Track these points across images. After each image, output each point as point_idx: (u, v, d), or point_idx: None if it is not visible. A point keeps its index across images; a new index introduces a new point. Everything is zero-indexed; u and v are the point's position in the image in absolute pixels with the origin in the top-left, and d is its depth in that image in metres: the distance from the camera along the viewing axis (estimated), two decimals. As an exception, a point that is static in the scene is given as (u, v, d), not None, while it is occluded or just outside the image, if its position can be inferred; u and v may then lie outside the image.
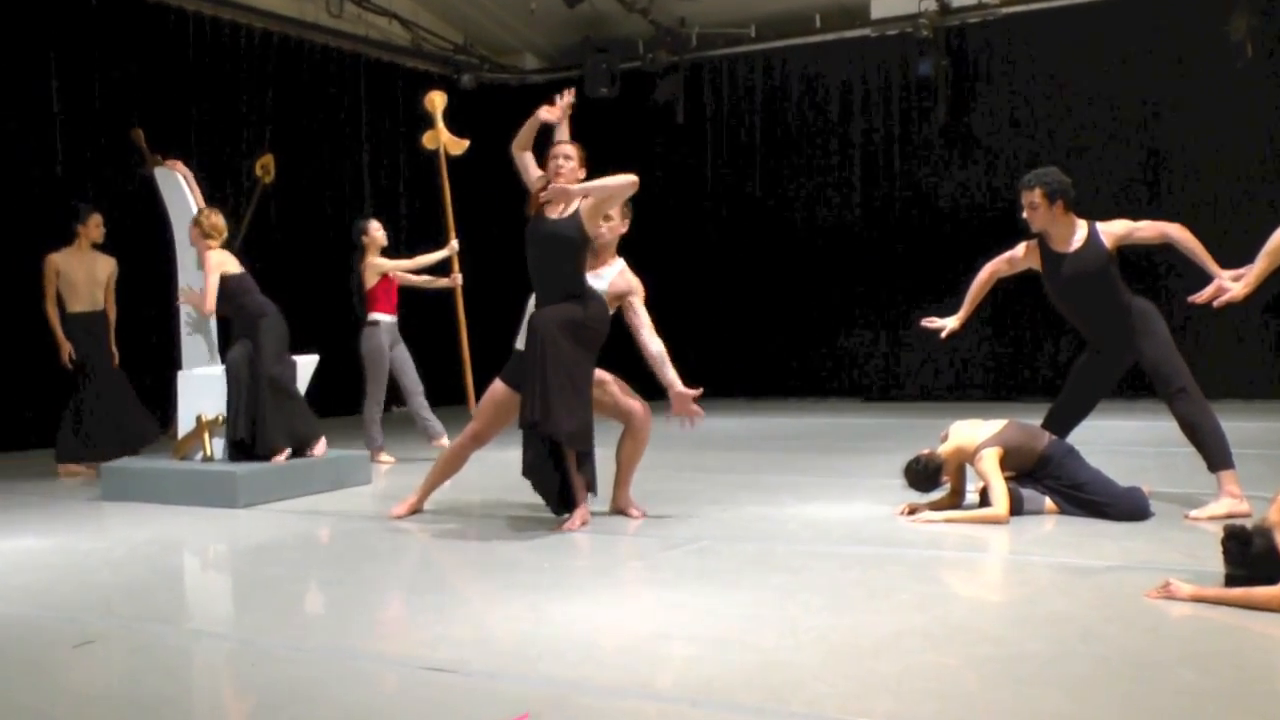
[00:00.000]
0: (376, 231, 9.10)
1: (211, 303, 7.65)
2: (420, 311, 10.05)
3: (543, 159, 6.23)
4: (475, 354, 9.46)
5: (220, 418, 7.62)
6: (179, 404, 7.91)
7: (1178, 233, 6.05)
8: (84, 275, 9.03)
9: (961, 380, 13.47)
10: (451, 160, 9.34)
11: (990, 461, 5.92)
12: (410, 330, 9.36)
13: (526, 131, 6.30)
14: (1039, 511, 6.00)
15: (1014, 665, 3.58)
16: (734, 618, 4.23)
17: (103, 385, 9.01)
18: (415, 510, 6.58)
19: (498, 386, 6.30)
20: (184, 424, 7.82)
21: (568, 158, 6.14)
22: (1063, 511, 5.98)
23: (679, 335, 14.84)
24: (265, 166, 11.03)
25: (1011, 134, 13.10)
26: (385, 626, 4.25)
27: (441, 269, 9.32)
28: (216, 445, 7.67)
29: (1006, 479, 5.96)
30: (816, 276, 14.13)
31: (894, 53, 13.68)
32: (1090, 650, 3.72)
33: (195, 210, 8.04)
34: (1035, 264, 6.37)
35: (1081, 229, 6.24)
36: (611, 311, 6.22)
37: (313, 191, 13.29)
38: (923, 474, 6.07)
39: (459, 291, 9.28)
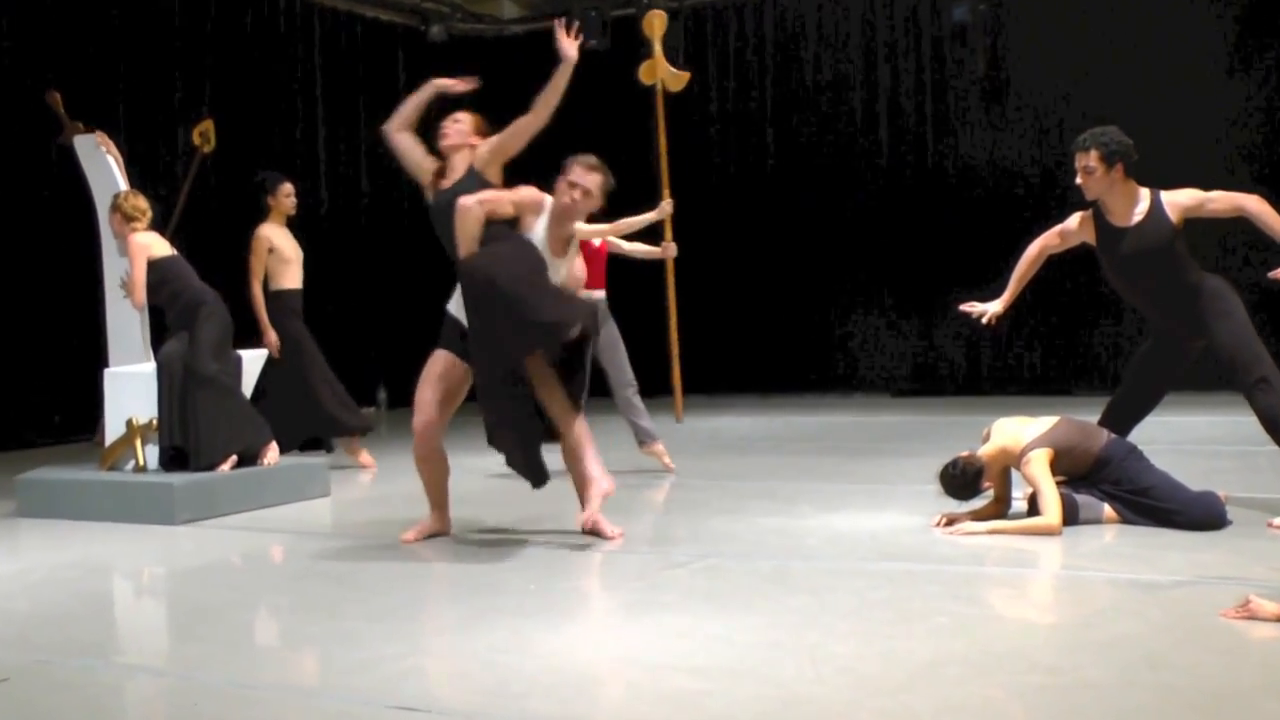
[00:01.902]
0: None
1: (142, 293, 7.63)
2: (619, 286, 8.91)
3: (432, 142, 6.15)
4: (686, 340, 9.08)
5: (154, 422, 7.60)
6: (106, 406, 7.88)
7: (1255, 205, 6.04)
8: (293, 250, 9.01)
9: (1005, 372, 13.46)
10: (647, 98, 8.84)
11: (1039, 464, 5.91)
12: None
13: (411, 108, 6.17)
14: (1097, 520, 5.99)
15: (1070, 697, 3.57)
16: (747, 646, 4.21)
17: (309, 369, 8.97)
18: (439, 532, 6.36)
19: (442, 358, 6.18)
20: (112, 429, 7.79)
21: (456, 120, 6.14)
22: (1124, 520, 5.97)
23: (687, 317, 14.88)
24: (204, 134, 11.01)
25: (1061, 89, 13.06)
26: (347, 659, 4.23)
27: (652, 234, 8.81)
28: (150, 453, 7.64)
29: (1059, 484, 5.95)
30: (836, 255, 14.11)
31: (925, -4, 13.67)
32: (1158, 679, 3.71)
33: (118, 189, 7.99)
34: (1090, 238, 6.35)
35: (1144, 199, 6.22)
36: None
37: (259, 162, 13.22)
38: (961, 480, 6.05)
39: (671, 264, 8.89)
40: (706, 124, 14.86)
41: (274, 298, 8.94)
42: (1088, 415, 6.50)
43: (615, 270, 8.64)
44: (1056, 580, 5.24)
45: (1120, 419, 6.42)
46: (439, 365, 6.16)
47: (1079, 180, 6.23)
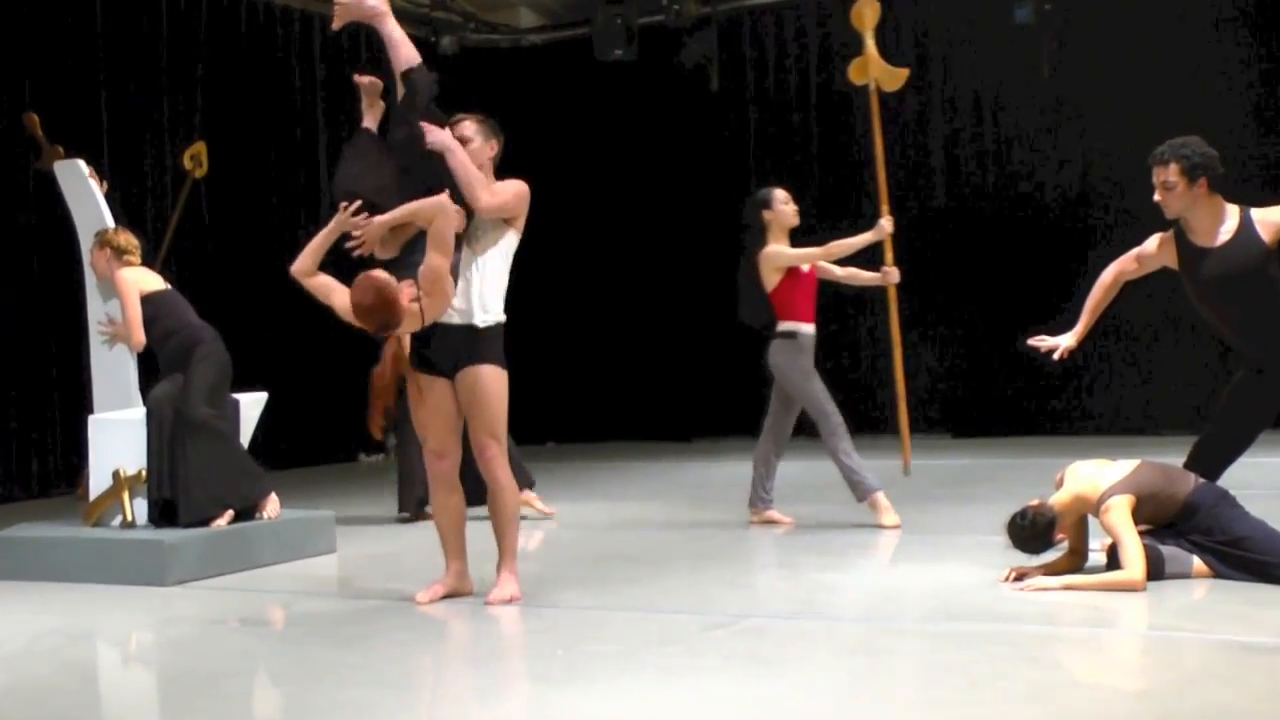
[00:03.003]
0: (784, 205, 8.13)
1: (139, 332, 7.65)
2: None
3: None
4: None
5: (142, 473, 7.61)
6: (90, 456, 7.90)
7: None
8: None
9: (1079, 410, 13.38)
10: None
11: (1119, 512, 5.85)
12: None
13: (319, 249, 6.10)
14: (1185, 574, 5.93)
15: (1160, 773, 3.52)
16: (796, 715, 4.17)
17: None
18: (458, 591, 6.29)
19: (421, 381, 6.15)
20: (97, 481, 7.80)
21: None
22: (1216, 574, 5.90)
23: (717, 357, 14.77)
24: (196, 157, 11.07)
25: (1137, 96, 13.01)
26: (353, 734, 4.21)
27: (869, 257, 8.49)
28: (138, 507, 7.65)
29: (1141, 534, 5.90)
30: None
31: (984, -6, 13.67)
32: (1258, 752, 3.66)
33: (105, 223, 7.99)
34: (1170, 261, 6.31)
35: (1231, 216, 6.18)
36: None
37: (255, 187, 13.32)
38: (1032, 531, 6.00)
39: (893, 291, 8.59)
40: (743, 138, 14.86)
41: None
42: (1172, 457, 6.44)
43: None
44: (1141, 642, 5.18)
45: (1209, 461, 6.35)
46: (429, 392, 6.16)
47: (1157, 197, 6.19)
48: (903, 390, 8.75)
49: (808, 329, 8.07)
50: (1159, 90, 12.81)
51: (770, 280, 8.04)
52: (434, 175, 5.99)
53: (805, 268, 8.09)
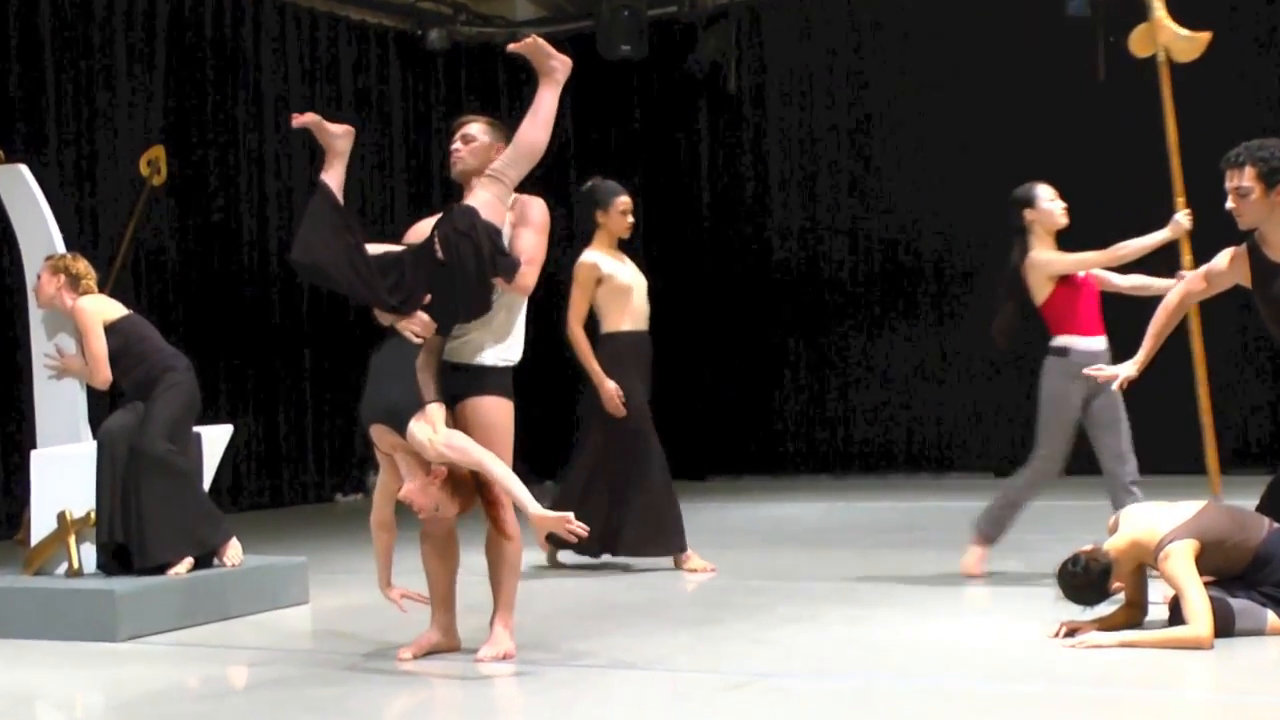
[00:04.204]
0: (1048, 203, 7.89)
1: (106, 369, 7.62)
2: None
3: None
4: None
5: (91, 515, 7.60)
6: (33, 496, 7.88)
7: None
8: (636, 281, 8.67)
9: (1139, 446, 13.32)
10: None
11: (1181, 560, 5.83)
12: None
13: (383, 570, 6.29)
14: (1258, 631, 5.90)
15: None
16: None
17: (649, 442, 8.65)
18: (444, 647, 6.28)
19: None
20: (40, 524, 7.79)
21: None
22: (1292, 631, 5.90)
23: (730, 391, 14.72)
24: (153, 163, 11.06)
25: (1206, 91, 12.96)
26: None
27: (1162, 260, 7.97)
28: (86, 553, 7.64)
29: (1207, 585, 5.88)
30: (924, 305, 14.05)
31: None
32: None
33: (52, 236, 7.98)
34: (1243, 279, 6.29)
35: (1313, 229, 6.18)
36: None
37: (222, 196, 13.31)
38: (1085, 579, 5.98)
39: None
40: (763, 145, 14.86)
41: (605, 342, 8.58)
42: (1241, 499, 6.42)
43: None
44: (1209, 706, 5.19)
45: (1285, 503, 6.35)
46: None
47: (1230, 204, 6.17)
48: (1209, 417, 8.42)
49: (1085, 345, 7.68)
50: (1229, 93, 12.81)
51: (1041, 291, 7.78)
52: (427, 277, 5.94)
53: (1083, 274, 7.82)
